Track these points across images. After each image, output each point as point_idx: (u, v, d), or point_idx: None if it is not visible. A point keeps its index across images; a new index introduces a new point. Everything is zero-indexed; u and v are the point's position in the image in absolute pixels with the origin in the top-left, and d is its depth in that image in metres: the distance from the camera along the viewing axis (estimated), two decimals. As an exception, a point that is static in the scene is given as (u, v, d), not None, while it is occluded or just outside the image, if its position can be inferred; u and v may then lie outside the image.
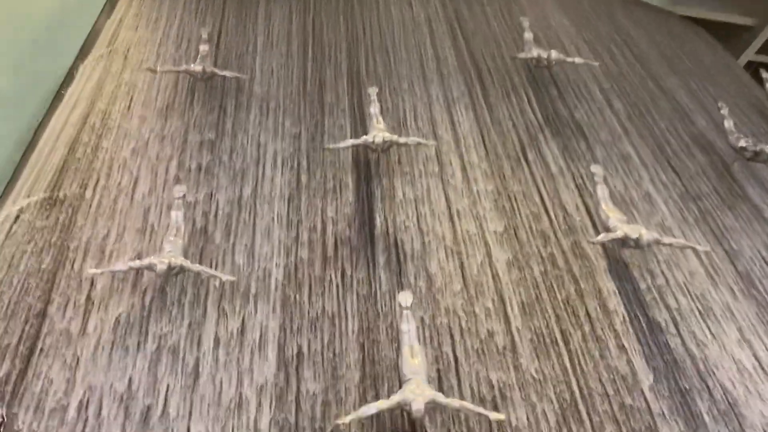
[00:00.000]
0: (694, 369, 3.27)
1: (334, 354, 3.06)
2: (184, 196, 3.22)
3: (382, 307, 3.31)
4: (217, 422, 2.68)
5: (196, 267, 2.92)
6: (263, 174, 3.80)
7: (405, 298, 3.15)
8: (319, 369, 3.02)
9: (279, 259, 3.47)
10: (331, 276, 3.44)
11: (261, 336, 3.05)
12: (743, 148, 4.73)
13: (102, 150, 3.62)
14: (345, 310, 3.29)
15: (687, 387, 3.14)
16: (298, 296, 3.32)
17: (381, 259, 3.59)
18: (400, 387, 2.81)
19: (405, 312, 3.09)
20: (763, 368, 3.36)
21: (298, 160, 3.92)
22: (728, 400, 3.09)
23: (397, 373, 3.00)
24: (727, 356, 3.40)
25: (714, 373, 3.25)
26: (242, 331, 3.06)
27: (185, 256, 2.94)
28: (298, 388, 2.94)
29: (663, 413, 2.94)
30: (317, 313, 3.25)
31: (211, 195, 3.59)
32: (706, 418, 2.98)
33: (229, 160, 3.83)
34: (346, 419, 2.69)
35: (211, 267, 3.15)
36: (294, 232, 3.59)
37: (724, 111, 4.97)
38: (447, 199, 4.06)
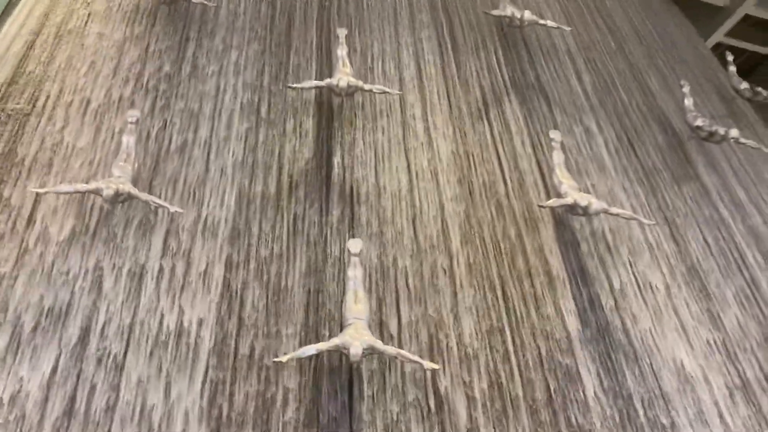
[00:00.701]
0: (624, 334, 3.41)
1: (279, 293, 3.09)
2: (137, 121, 3.12)
3: (331, 252, 3.33)
4: (156, 349, 2.69)
5: (145, 196, 2.87)
6: (222, 107, 3.72)
7: (355, 244, 3.18)
8: (262, 307, 3.05)
9: (230, 195, 3.44)
10: (282, 216, 3.44)
11: (206, 270, 3.05)
12: (699, 128, 4.84)
13: (55, 66, 3.47)
14: (293, 251, 3.30)
15: (614, 347, 3.28)
16: (247, 233, 3.32)
17: (335, 204, 3.60)
18: (341, 331, 2.86)
19: (353, 258, 3.12)
20: (686, 333, 3.52)
21: (259, 96, 3.85)
22: (651, 365, 3.24)
23: (339, 316, 3.06)
24: (657, 324, 3.54)
25: (643, 340, 3.39)
26: (187, 263, 3.04)
27: (134, 183, 2.88)
28: (240, 323, 2.97)
29: (588, 368, 3.07)
30: (265, 252, 3.26)
31: (166, 123, 3.51)
32: (630, 380, 3.13)
33: (187, 89, 3.73)
34: (284, 358, 2.74)
35: (159, 197, 3.10)
36: (248, 168, 3.55)
37: (686, 89, 5.05)
38: (406, 151, 4.07)
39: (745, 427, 3.44)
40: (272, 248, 3.38)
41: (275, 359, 2.90)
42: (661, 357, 3.39)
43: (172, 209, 2.97)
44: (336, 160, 3.99)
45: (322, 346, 3.20)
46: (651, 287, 3.88)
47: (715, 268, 4.34)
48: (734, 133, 4.93)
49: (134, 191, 2.76)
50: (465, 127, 4.48)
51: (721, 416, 3.35)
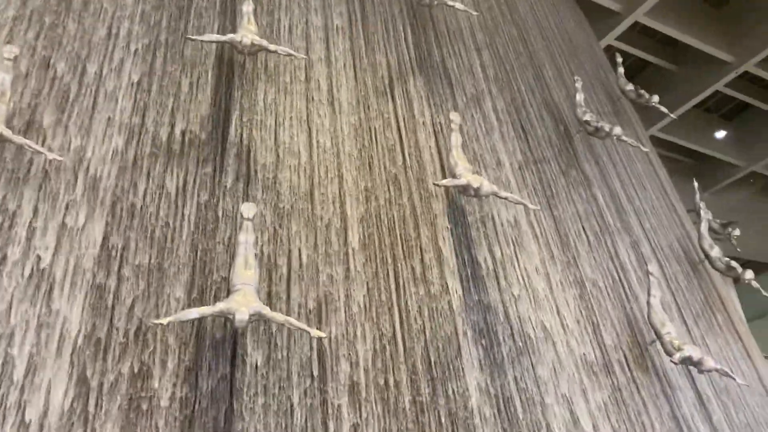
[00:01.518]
0: (503, 311, 3.57)
1: (163, 252, 2.96)
2: (15, 58, 2.86)
3: (222, 214, 3.23)
4: (23, 301, 2.52)
5: (19, 139, 2.64)
6: (112, 54, 3.46)
7: (248, 209, 3.10)
8: (144, 267, 2.91)
9: (115, 149, 3.23)
10: (172, 173, 3.29)
11: (84, 224, 2.86)
12: (587, 122, 5.13)
13: None
14: (183, 211, 3.17)
15: (493, 322, 3.43)
16: (132, 190, 3.14)
17: (230, 166, 3.48)
18: (228, 296, 2.79)
19: (246, 223, 3.05)
20: (560, 315, 3.73)
21: (155, 46, 3.62)
22: (524, 336, 3.42)
23: (227, 281, 2.98)
24: (535, 303, 3.74)
25: (520, 317, 3.58)
26: (64, 216, 2.84)
27: (7, 125, 2.64)
28: (119, 282, 2.82)
29: (469, 344, 3.19)
30: (150, 211, 3.11)
31: (48, 64, 3.23)
32: (506, 355, 3.29)
33: (76, 30, 3.44)
34: (165, 320, 2.64)
35: (37, 143, 2.86)
36: (138, 121, 3.35)
37: (578, 85, 5.33)
38: (309, 118, 4.00)
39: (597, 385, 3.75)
40: (159, 206, 3.23)
41: (155, 321, 2.77)
42: (534, 332, 3.60)
43: (50, 156, 2.75)
44: (234, 120, 3.85)
45: (206, 310, 3.10)
46: (533, 269, 4.10)
47: (589, 254, 4.65)
48: (617, 131, 5.27)
49: (7, 133, 2.54)
50: (369, 100, 4.47)
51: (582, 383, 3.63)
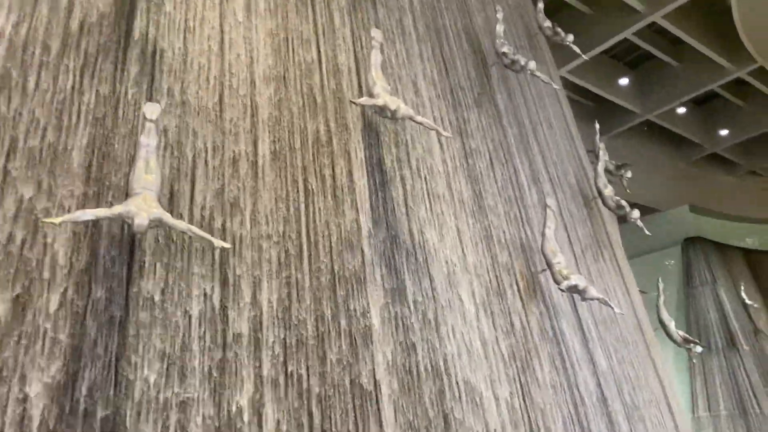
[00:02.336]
0: (409, 233, 3.63)
1: (55, 149, 2.75)
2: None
3: (123, 114, 3.02)
4: None
5: None
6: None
7: (151, 109, 2.91)
8: (35, 164, 2.70)
9: (2, 31, 2.90)
10: (68, 66, 3.01)
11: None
12: (504, 54, 5.17)
13: None
14: (78, 107, 2.93)
15: (399, 247, 3.50)
16: (21, 80, 2.86)
17: (133, 64, 3.23)
18: (127, 199, 2.66)
19: (148, 125, 2.87)
20: (458, 228, 3.85)
21: None
22: (425, 250, 3.52)
23: (125, 184, 2.83)
24: (438, 230, 3.83)
25: (425, 244, 3.66)
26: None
27: None
28: (5, 176, 2.61)
29: (373, 263, 3.24)
30: (41, 103, 2.85)
31: None
32: (407, 274, 3.38)
33: None
34: (58, 219, 2.48)
35: None
36: (29, 4, 3.02)
37: (499, 16, 5.32)
38: (222, 22, 3.74)
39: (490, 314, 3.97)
40: (53, 99, 2.97)
41: (46, 219, 2.60)
42: (435, 253, 3.71)
43: None
44: (139, 14, 3.56)
45: (102, 212, 2.93)
46: (439, 196, 4.18)
47: (493, 184, 4.80)
48: (532, 65, 5.36)
49: None
50: (288, 8, 4.25)
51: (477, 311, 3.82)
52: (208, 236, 2.78)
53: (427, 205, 3.95)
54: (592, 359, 4.72)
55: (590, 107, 15.14)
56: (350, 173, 3.60)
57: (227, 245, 2.82)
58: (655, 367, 5.96)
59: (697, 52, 13.03)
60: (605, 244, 6.13)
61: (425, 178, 4.11)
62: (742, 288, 19.36)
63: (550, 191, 5.37)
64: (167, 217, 2.69)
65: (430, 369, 3.27)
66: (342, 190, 3.51)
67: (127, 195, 2.74)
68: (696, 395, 17.90)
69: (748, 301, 19.38)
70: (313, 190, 3.34)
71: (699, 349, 8.32)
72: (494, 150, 5.06)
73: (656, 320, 7.76)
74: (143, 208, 2.59)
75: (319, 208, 3.30)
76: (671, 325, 7.72)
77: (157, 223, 2.66)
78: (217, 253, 2.91)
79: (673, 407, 6.00)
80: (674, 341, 7.79)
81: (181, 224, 2.75)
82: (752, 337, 18.61)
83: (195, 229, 2.79)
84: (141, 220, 2.53)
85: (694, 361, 15.89)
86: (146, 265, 2.82)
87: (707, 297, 18.78)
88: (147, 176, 2.76)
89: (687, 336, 8.07)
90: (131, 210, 2.58)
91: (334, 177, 3.47)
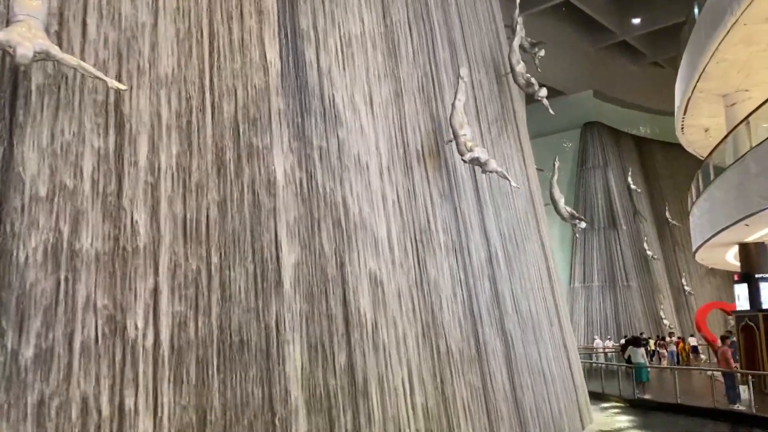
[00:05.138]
0: (319, 91, 3.55)
1: None
2: None
3: None
4: None
5: None
6: None
7: None
8: None
9: None
10: None
11: None
12: None
13: None
14: None
15: (307, 103, 3.43)
16: None
17: None
18: (7, 26, 2.39)
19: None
20: (371, 94, 3.80)
21: None
22: (335, 118, 3.48)
23: (7, 8, 2.53)
24: (348, 88, 3.75)
25: (333, 98, 3.60)
26: None
27: None
28: None
29: (280, 111, 3.16)
30: None
31: None
32: (312, 116, 3.33)
33: None
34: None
35: None
36: None
37: None
38: None
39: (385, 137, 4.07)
40: None
41: None
42: (345, 114, 3.68)
43: None
44: None
45: (-24, 39, 2.63)
46: (354, 55, 4.07)
47: (409, 52, 4.72)
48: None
49: None
50: None
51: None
52: (102, 75, 2.58)
53: (341, 65, 3.84)
54: (484, 227, 5.01)
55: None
56: (260, 19, 3.39)
57: (123, 86, 2.64)
58: (541, 238, 6.43)
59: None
60: (511, 120, 6.30)
61: (341, 38, 3.96)
62: (630, 173, 20.82)
63: (465, 61, 5.36)
64: (55, 50, 2.46)
65: (331, 222, 3.35)
66: (251, 39, 3.32)
67: (7, 21, 2.47)
68: (574, 267, 19.66)
69: (632, 186, 20.94)
70: (219, 35, 3.13)
71: (583, 225, 9.01)
72: (413, 16, 4.92)
73: (548, 196, 8.26)
74: (27, 37, 2.35)
75: (226, 56, 3.13)
76: (561, 201, 8.25)
77: (44, 56, 2.43)
78: (111, 93, 2.73)
79: (553, 276, 6.57)
80: (562, 216, 8.38)
81: (71, 59, 2.52)
82: (631, 219, 20.35)
83: (86, 65, 2.58)
84: (25, 50, 2.31)
85: (577, 236, 17.21)
86: (32, 102, 2.61)
87: (597, 179, 20.08)
88: (31, 1, 2.48)
89: (573, 212, 8.69)
90: (13, 38, 2.33)
91: (242, 23, 3.26)
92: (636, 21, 17.83)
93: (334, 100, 3.58)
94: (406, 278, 3.77)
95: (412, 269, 3.86)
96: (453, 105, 4.81)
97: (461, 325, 4.27)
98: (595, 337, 17.87)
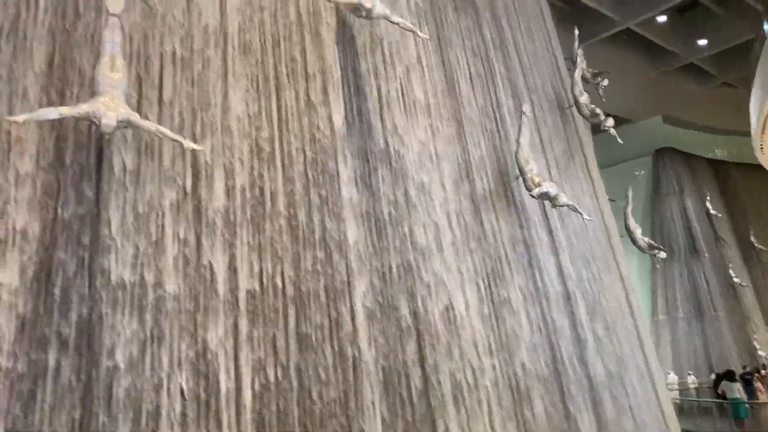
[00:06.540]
0: (382, 136, 3.60)
1: (15, 41, 2.62)
2: None
3: (82, 7, 2.87)
4: None
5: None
6: None
7: (114, 3, 2.77)
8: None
9: None
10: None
11: None
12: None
13: None
14: (36, 2, 2.77)
15: (373, 151, 3.48)
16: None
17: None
18: (92, 98, 2.57)
19: (112, 19, 2.74)
20: (433, 134, 3.83)
21: None
22: (401, 162, 3.52)
23: (91, 83, 2.72)
24: (412, 132, 3.80)
25: (399, 151, 3.64)
26: None
27: None
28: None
29: (346, 158, 3.22)
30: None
31: None
32: (381, 171, 3.38)
33: None
34: (21, 117, 2.41)
35: None
36: None
37: None
38: None
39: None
40: (8, -7, 2.79)
41: (10, 118, 2.52)
42: (410, 155, 3.71)
43: None
44: None
45: (68, 110, 2.83)
46: (416, 99, 4.12)
47: (470, 90, 4.74)
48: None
49: None
50: None
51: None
52: (179, 137, 2.72)
53: (404, 111, 3.89)
54: (559, 264, 4.87)
55: (570, 13, 14.80)
56: (323, 76, 3.49)
57: (199, 147, 2.77)
58: (620, 271, 6.19)
59: (681, -43, 12.68)
60: (578, 152, 6.18)
61: (401, 82, 4.02)
62: (708, 198, 19.91)
63: (527, 97, 5.33)
64: (135, 117, 2.62)
65: (402, 269, 3.35)
66: (315, 93, 3.41)
67: (93, 93, 2.65)
68: (656, 299, 18.75)
69: (712, 211, 19.99)
70: (285, 90, 3.24)
71: (663, 254, 8.64)
72: (472, 55, 4.96)
73: (623, 227, 7.98)
74: (110, 107, 2.51)
75: (292, 111, 3.23)
76: (637, 232, 7.95)
77: (125, 124, 2.59)
78: (188, 153, 2.86)
79: (634, 309, 6.29)
80: (639, 248, 8.06)
81: (151, 125, 2.68)
82: (713, 245, 19.34)
83: (164, 129, 2.72)
84: (108, 120, 2.47)
85: (657, 266, 16.49)
86: (116, 166, 2.77)
87: (673, 206, 19.28)
88: (113, 74, 2.66)
89: (652, 242, 8.35)
90: (98, 109, 2.50)
91: (306, 78, 3.36)
92: (702, 42, 17.30)
93: (399, 153, 3.62)
94: (482, 326, 3.70)
95: (487, 317, 3.80)
96: (517, 141, 4.77)
97: (545, 381, 4.11)
98: (669, 371, 16.62)
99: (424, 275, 3.54)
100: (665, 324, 18.59)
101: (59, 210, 2.53)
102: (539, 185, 4.51)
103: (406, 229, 3.49)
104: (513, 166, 4.73)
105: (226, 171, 2.94)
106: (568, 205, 4.70)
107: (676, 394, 14.04)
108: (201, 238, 2.78)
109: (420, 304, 3.42)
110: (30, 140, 2.54)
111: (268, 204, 3.01)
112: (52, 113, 2.43)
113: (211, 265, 2.80)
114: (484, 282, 4.07)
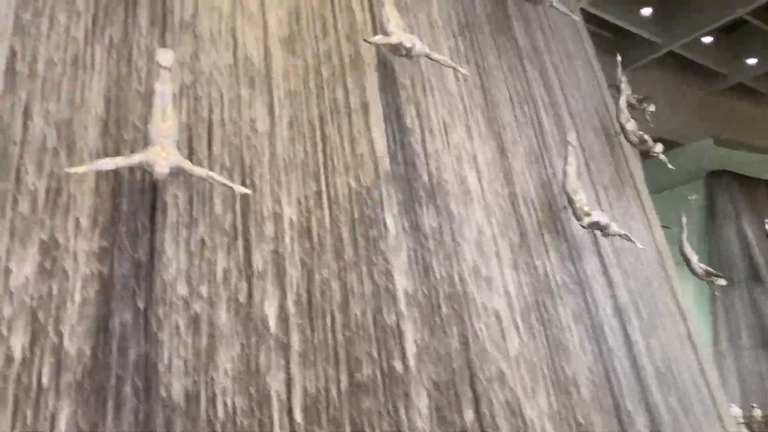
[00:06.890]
0: (428, 178, 3.60)
1: (72, 104, 2.75)
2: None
3: (137, 62, 3.00)
4: None
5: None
6: None
7: (165, 55, 2.88)
8: (53, 116, 2.71)
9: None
10: (80, 14, 2.98)
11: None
12: (523, -18, 4.98)
13: None
14: (92, 55, 2.91)
15: (417, 187, 3.48)
16: (34, 26, 2.84)
17: (144, 9, 3.18)
18: (145, 148, 2.67)
19: (163, 71, 2.85)
20: (478, 169, 3.79)
21: None
22: (445, 200, 3.51)
23: (143, 134, 2.83)
24: (456, 167, 3.79)
25: (440, 184, 3.64)
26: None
27: None
28: (25, 132, 2.63)
29: (390, 195, 3.23)
30: (58, 54, 2.84)
31: None
32: (423, 199, 3.37)
33: None
34: (80, 169, 2.51)
35: None
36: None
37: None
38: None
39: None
40: (66, 49, 2.95)
41: (69, 169, 2.63)
42: (458, 202, 3.70)
43: None
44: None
45: (123, 161, 2.95)
46: (459, 136, 4.12)
47: (513, 122, 4.72)
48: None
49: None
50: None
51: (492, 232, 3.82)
52: (228, 182, 2.79)
53: (447, 146, 3.90)
54: (614, 295, 4.73)
55: (611, 39, 14.66)
56: (366, 115, 3.54)
57: (248, 191, 2.83)
58: (677, 301, 5.97)
59: (724, -23, 12.48)
60: (627, 180, 6.04)
61: (443, 119, 4.05)
62: (766, 221, 19.10)
63: (571, 126, 5.27)
64: (187, 164, 2.70)
65: (452, 309, 3.31)
66: (359, 134, 3.46)
67: (145, 144, 2.75)
68: (718, 328, 17.96)
69: (772, 234, 19.19)
70: (330, 134, 3.31)
71: (722, 281, 8.29)
72: (513, 87, 4.95)
73: (679, 255, 7.72)
74: (162, 155, 2.60)
75: (337, 151, 3.28)
76: (694, 259, 7.67)
77: (177, 171, 2.67)
78: (238, 198, 2.93)
79: (695, 340, 6.03)
80: (697, 275, 7.77)
81: (201, 171, 2.76)
82: (776, 270, 18.50)
83: (214, 175, 2.80)
84: (161, 169, 2.55)
85: (717, 294, 15.84)
86: (169, 212, 2.85)
87: (730, 231, 18.57)
88: (164, 124, 2.76)
89: (709, 269, 8.03)
90: (152, 158, 2.60)
91: (350, 120, 3.41)
92: (751, 62, 16.86)
93: (444, 187, 3.61)
94: (536, 362, 3.60)
95: (540, 353, 3.70)
96: (564, 171, 4.70)
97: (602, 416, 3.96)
98: (732, 405, 15.67)
99: (473, 316, 3.49)
100: (729, 354, 17.75)
101: (115, 255, 2.61)
102: (589, 214, 4.43)
103: (455, 267, 3.46)
104: (561, 196, 4.66)
105: (275, 215, 3.00)
106: (619, 234, 4.58)
107: (743, 428, 13.34)
108: (252, 283, 2.82)
109: (470, 340, 3.36)
110: (87, 192, 2.64)
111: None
112: (109, 164, 2.53)
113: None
114: (536, 316, 3.99)
